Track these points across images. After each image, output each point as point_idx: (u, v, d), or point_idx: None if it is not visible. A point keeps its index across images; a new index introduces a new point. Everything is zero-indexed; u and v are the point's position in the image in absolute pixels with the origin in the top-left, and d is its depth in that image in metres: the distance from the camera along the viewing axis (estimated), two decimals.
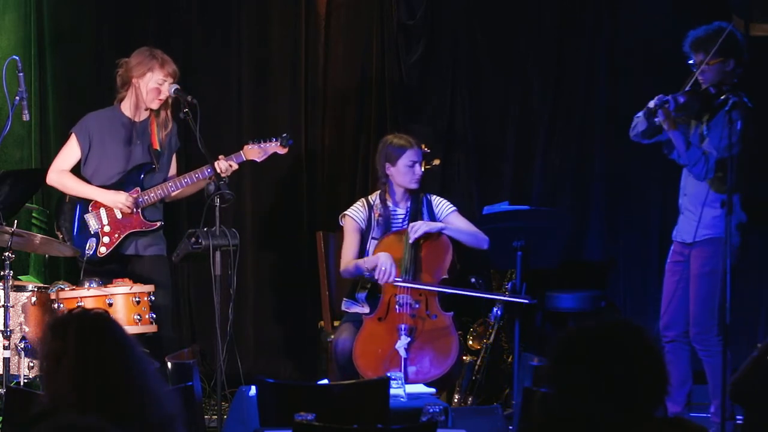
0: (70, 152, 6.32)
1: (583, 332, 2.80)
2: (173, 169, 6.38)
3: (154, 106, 6.24)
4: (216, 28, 7.45)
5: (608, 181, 7.22)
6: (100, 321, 3.03)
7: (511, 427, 5.70)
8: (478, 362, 6.58)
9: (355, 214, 6.29)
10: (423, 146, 6.34)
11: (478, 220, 6.50)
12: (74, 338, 2.98)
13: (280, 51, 7.43)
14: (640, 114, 6.03)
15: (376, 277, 6.03)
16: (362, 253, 6.24)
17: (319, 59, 7.38)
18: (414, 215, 6.23)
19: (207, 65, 7.41)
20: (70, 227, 6.26)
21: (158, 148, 6.28)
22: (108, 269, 6.18)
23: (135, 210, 6.19)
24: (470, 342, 6.79)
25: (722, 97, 5.84)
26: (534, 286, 6.53)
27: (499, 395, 6.60)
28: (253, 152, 6.26)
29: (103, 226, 6.23)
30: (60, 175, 6.30)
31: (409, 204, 6.27)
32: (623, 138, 6.29)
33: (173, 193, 6.28)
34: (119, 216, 6.21)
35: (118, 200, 6.17)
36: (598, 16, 7.28)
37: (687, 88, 5.93)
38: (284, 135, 6.29)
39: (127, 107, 6.29)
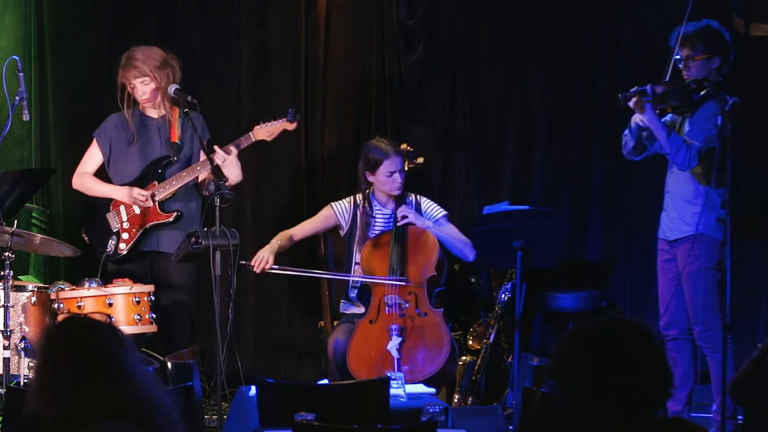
0: (92, 156, 6.43)
1: (586, 331, 2.79)
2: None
3: (148, 106, 6.29)
4: (216, 28, 7.45)
5: (608, 181, 7.22)
6: (90, 325, 3.03)
7: (511, 427, 5.70)
8: (478, 362, 6.58)
9: (338, 208, 6.32)
10: (404, 145, 6.36)
11: (478, 220, 6.49)
12: (63, 343, 2.98)
13: (280, 51, 7.43)
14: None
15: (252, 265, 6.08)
16: (350, 254, 6.26)
17: (319, 59, 7.37)
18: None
19: (207, 65, 7.41)
20: (96, 231, 6.30)
21: (177, 140, 6.30)
22: (129, 268, 6.23)
23: (152, 203, 6.22)
24: (470, 342, 6.79)
25: (702, 93, 5.84)
26: (534, 286, 6.53)
27: (499, 395, 6.59)
28: (263, 132, 6.27)
29: (122, 223, 6.29)
30: (81, 178, 6.41)
31: (394, 205, 6.28)
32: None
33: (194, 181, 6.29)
34: (137, 211, 6.25)
35: (132, 194, 6.21)
36: (598, 16, 7.27)
37: (666, 80, 5.93)
38: (290, 110, 6.29)
39: (144, 106, 6.36)
